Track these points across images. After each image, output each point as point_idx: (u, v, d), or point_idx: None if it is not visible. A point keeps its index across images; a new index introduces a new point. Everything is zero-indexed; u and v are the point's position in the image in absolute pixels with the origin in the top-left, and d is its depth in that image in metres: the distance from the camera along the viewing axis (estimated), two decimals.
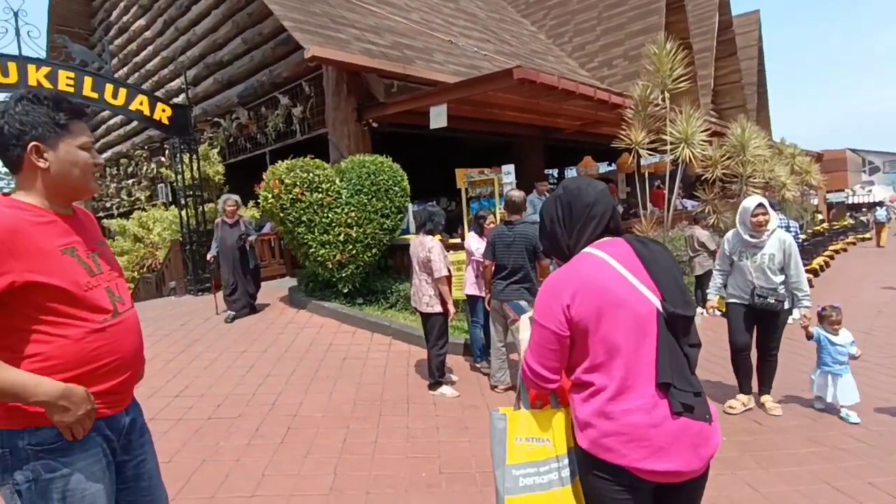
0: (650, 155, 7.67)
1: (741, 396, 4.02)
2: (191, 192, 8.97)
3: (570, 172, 19.27)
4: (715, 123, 11.12)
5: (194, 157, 8.86)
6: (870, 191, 31.09)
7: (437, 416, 4.06)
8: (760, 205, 3.78)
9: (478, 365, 5.04)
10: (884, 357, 5.37)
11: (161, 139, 12.55)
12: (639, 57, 13.91)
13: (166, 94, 12.20)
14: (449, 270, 4.41)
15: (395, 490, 3.00)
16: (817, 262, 11.91)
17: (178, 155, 9.05)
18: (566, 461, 1.51)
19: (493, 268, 4.36)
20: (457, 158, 13.95)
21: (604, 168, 16.03)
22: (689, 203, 12.05)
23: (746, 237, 3.83)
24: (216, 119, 11.53)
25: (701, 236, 7.54)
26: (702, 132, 7.35)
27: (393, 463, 3.31)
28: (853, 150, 35.83)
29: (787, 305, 3.80)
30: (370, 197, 6.47)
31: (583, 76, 15.54)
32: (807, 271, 10.87)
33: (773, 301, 3.71)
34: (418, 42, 9.83)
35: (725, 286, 4.09)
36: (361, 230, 6.43)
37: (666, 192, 8.02)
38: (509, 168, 7.00)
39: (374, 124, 8.29)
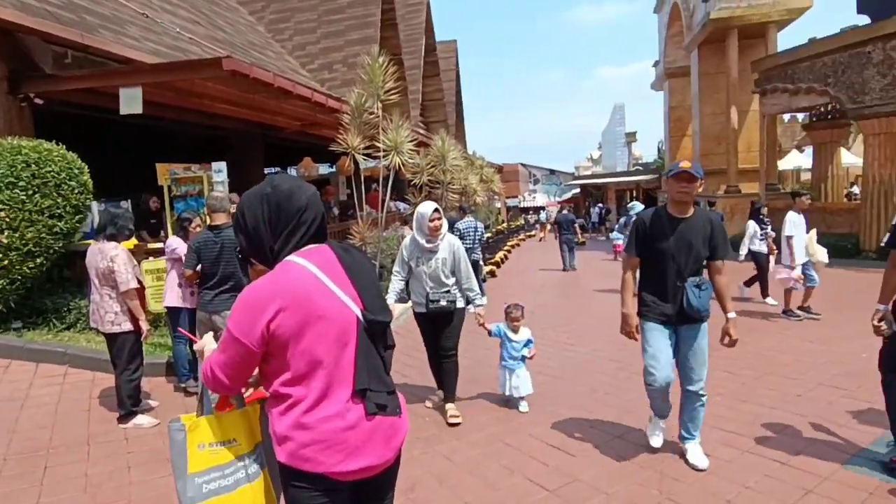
0: (367, 160, 8.09)
1: (439, 392, 4.24)
2: None
3: (292, 172, 18.94)
4: (422, 134, 12.41)
5: None
6: (534, 197, 39.39)
7: (130, 452, 3.47)
8: (436, 210, 3.80)
9: (183, 384, 4.51)
10: (542, 328, 6.80)
11: None
12: (356, 65, 14.50)
13: None
14: (140, 282, 3.81)
15: None
16: (499, 255, 14.42)
17: None
18: (253, 457, 1.54)
19: (196, 277, 3.94)
20: (166, 150, 12.26)
21: (325, 169, 16.22)
22: (401, 205, 13.16)
23: (423, 242, 3.81)
24: None
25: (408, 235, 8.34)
26: (409, 142, 8.08)
27: None
28: (524, 165, 44.70)
29: (459, 304, 3.87)
30: (31, 193, 5.13)
31: (303, 76, 15.43)
32: (491, 263, 13.19)
33: (444, 303, 3.77)
34: (105, 9, 8.24)
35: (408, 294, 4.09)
36: (18, 235, 5.05)
37: (380, 194, 8.57)
38: (220, 165, 6.46)
39: (39, 101, 6.62)
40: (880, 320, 2.83)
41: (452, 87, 26.62)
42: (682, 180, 2.89)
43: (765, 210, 8.03)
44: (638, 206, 10.36)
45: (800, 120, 20.06)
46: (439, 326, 3.91)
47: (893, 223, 3.18)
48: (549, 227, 23.66)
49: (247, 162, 11.60)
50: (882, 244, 3.26)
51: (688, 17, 17.66)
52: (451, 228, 9.31)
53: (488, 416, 4.06)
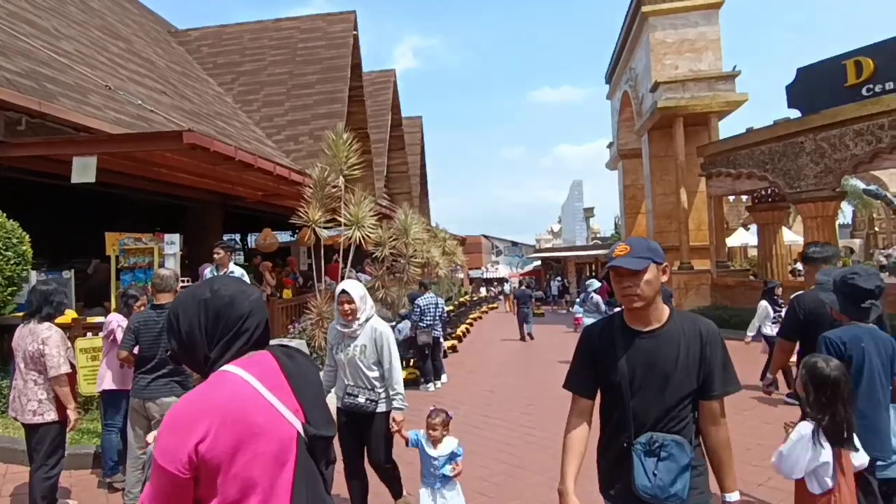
0: (327, 228, 8.05)
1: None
2: None
3: (252, 239, 18.69)
4: (385, 207, 12.52)
5: None
6: (497, 268, 39.90)
7: None
8: (344, 291, 3.32)
9: (109, 479, 4.08)
10: (502, 410, 6.61)
11: None
12: (322, 138, 14.80)
13: None
14: (72, 366, 3.53)
15: None
16: (461, 329, 14.28)
17: None
18: None
19: (131, 360, 3.67)
20: (120, 216, 11.94)
21: (286, 237, 16.10)
22: (364, 277, 13.03)
23: (338, 327, 3.41)
24: None
25: None
26: (371, 216, 8.10)
27: None
28: (486, 236, 45.59)
29: (381, 408, 3.30)
30: None
31: (269, 147, 15.58)
32: (453, 338, 13.03)
33: (362, 401, 3.25)
34: (67, 77, 8.21)
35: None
36: None
37: (340, 267, 8.46)
38: (173, 238, 6.27)
39: None
40: (768, 385, 3.61)
41: (417, 161, 27.37)
42: (620, 275, 1.84)
43: (779, 290, 7.61)
44: (595, 284, 10.62)
45: (744, 200, 21.43)
46: (362, 430, 3.34)
47: (784, 315, 3.60)
48: (512, 297, 23.90)
49: (205, 230, 11.37)
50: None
51: (637, 105, 18.98)
52: (412, 304, 9.22)
53: None
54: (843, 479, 2.18)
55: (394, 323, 8.90)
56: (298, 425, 1.36)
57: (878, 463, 2.44)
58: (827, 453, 2.17)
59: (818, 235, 11.62)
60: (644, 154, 18.89)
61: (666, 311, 1.90)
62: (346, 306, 3.27)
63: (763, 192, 14.28)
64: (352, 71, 17.70)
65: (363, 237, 7.99)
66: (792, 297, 3.44)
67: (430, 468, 3.25)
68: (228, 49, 19.28)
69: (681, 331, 1.86)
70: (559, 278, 29.42)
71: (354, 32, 18.30)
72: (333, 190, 8.17)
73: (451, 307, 13.92)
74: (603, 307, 10.36)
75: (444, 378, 8.49)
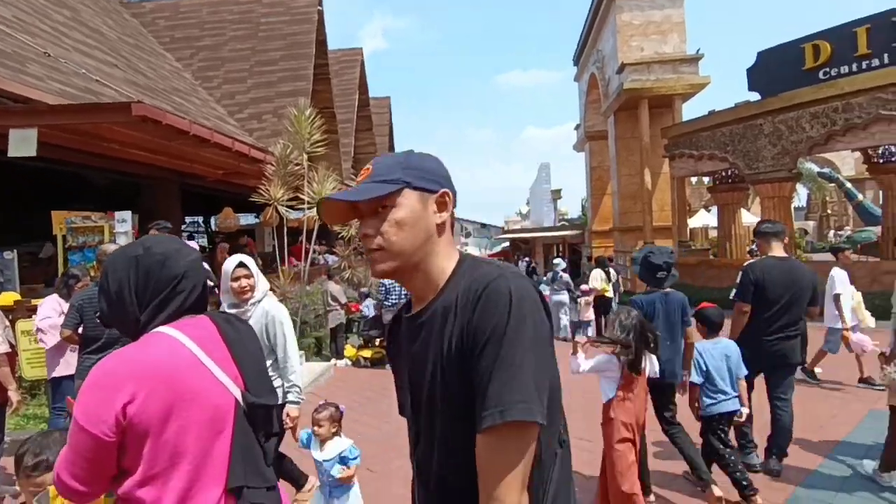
0: (290, 211, 7.85)
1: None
2: None
3: (216, 221, 18.19)
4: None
5: None
6: (466, 250, 40.00)
7: None
8: (242, 265, 2.99)
9: None
10: None
11: None
12: (286, 116, 14.44)
13: None
14: (12, 346, 3.33)
15: None
16: None
17: None
18: None
19: (75, 339, 3.50)
20: (70, 196, 11.40)
21: (250, 220, 15.70)
22: (331, 258, 12.83)
23: (226, 306, 3.02)
24: None
25: (334, 290, 8.03)
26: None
27: None
28: (456, 218, 45.51)
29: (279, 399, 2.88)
30: None
31: (230, 125, 15.08)
32: None
33: None
34: (5, 45, 7.70)
35: None
36: None
37: (304, 247, 8.29)
38: (124, 215, 6.01)
39: None
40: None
41: (385, 142, 27.01)
42: (361, 219, 1.08)
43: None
44: (562, 263, 10.83)
45: (706, 182, 21.97)
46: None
47: (738, 281, 3.78)
48: None
49: (161, 211, 10.97)
50: (730, 297, 3.86)
51: (604, 86, 19.11)
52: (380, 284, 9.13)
53: None
54: (632, 394, 2.95)
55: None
56: (237, 393, 1.29)
57: (707, 402, 3.34)
58: (616, 375, 2.95)
59: (775, 215, 11.98)
60: (610, 135, 19.11)
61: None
62: (244, 281, 2.94)
63: (723, 174, 14.63)
64: (317, 47, 17.23)
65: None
66: (745, 264, 3.93)
67: (319, 471, 2.90)
68: (186, 23, 18.50)
69: (451, 305, 1.00)
70: (526, 259, 29.71)
71: (319, 7, 17.79)
72: (296, 168, 7.96)
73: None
74: (572, 285, 10.68)
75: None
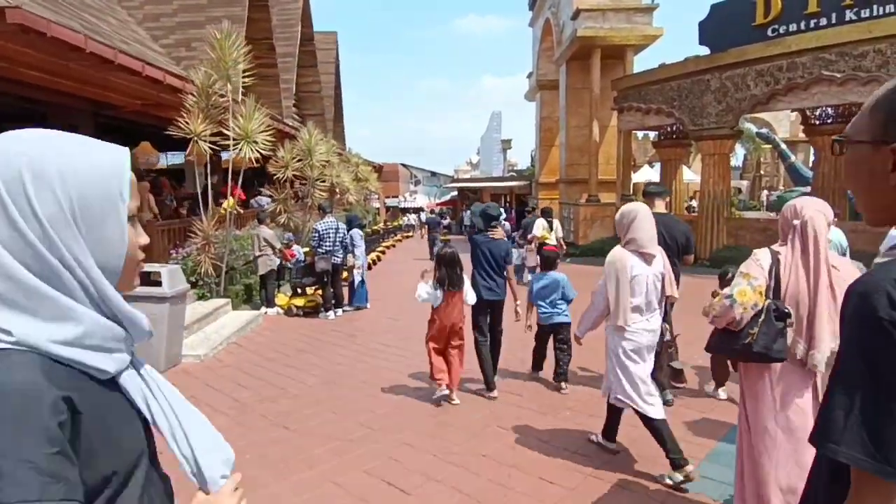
0: (214, 148, 7.19)
1: None
2: None
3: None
4: (286, 125, 11.50)
5: None
6: (415, 198, 39.46)
7: None
8: None
9: None
10: (403, 339, 6.45)
11: None
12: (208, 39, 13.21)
13: None
14: None
15: None
16: (372, 256, 13.92)
17: None
18: None
19: None
20: None
21: (178, 158, 14.56)
22: (264, 201, 12.11)
23: None
24: None
25: (266, 235, 7.54)
26: (264, 130, 7.32)
27: None
28: (404, 165, 44.62)
29: None
30: None
31: (155, 51, 13.66)
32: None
33: None
34: None
35: None
36: None
37: (230, 187, 7.68)
38: None
39: None
40: None
41: (331, 81, 25.56)
42: None
43: None
44: (502, 213, 10.86)
45: (650, 138, 22.20)
46: None
47: None
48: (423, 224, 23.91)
49: None
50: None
51: (558, 33, 18.59)
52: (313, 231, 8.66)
53: None
54: (448, 306, 4.30)
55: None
56: None
57: (543, 314, 4.76)
58: (440, 293, 4.30)
59: (714, 172, 12.22)
60: (561, 85, 18.78)
61: None
62: None
63: (668, 129, 14.73)
64: None
65: (252, 153, 7.23)
66: None
67: None
68: None
69: None
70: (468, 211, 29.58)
71: None
72: (222, 100, 7.24)
73: (364, 232, 13.32)
74: (511, 231, 11.34)
75: (346, 307, 8.18)
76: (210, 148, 6.99)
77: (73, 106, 9.73)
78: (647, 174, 21.43)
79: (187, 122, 6.88)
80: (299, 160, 10.75)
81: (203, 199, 7.53)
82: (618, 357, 3.12)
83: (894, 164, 0.83)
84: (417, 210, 34.76)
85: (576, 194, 17.26)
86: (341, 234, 7.65)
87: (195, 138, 6.90)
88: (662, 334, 3.48)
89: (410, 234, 26.09)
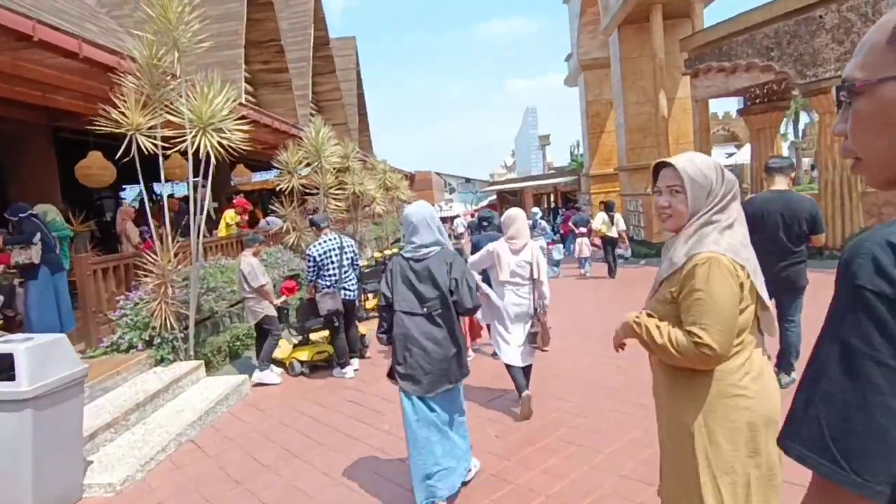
0: (161, 145, 5.04)
1: None
2: None
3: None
4: (284, 122, 9.31)
5: None
6: (451, 206, 37.21)
7: None
8: None
9: None
10: None
11: None
12: (219, 46, 11.29)
13: None
14: None
15: None
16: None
17: None
18: None
19: None
20: None
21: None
22: (274, 221, 9.89)
23: None
24: None
25: (244, 267, 5.17)
26: (229, 114, 5.09)
27: None
28: (438, 174, 42.47)
29: None
30: None
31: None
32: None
33: None
34: None
35: None
36: None
37: (200, 199, 5.47)
38: None
39: None
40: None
41: (353, 89, 23.80)
42: None
43: None
44: (539, 212, 12.97)
45: (720, 118, 19.14)
46: None
47: None
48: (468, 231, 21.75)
49: (32, 166, 8.10)
50: None
51: (604, 0, 15.98)
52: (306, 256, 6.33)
53: None
54: None
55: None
56: None
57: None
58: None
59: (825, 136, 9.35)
60: (613, 57, 16.09)
61: None
62: None
63: (757, 91, 11.91)
64: None
65: (220, 149, 5.02)
66: (746, 199, 4.04)
67: None
68: None
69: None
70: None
71: None
72: (169, 78, 5.09)
73: (379, 255, 10.88)
74: (549, 230, 12.47)
75: (366, 354, 5.86)
76: (153, 145, 4.80)
77: (30, 122, 7.90)
78: (716, 156, 18.42)
79: (122, 113, 4.74)
80: (307, 164, 8.57)
81: (173, 220, 5.35)
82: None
83: None
84: (453, 218, 32.55)
85: (642, 183, 14.51)
86: (349, 255, 5.24)
87: (133, 133, 4.74)
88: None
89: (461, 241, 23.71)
